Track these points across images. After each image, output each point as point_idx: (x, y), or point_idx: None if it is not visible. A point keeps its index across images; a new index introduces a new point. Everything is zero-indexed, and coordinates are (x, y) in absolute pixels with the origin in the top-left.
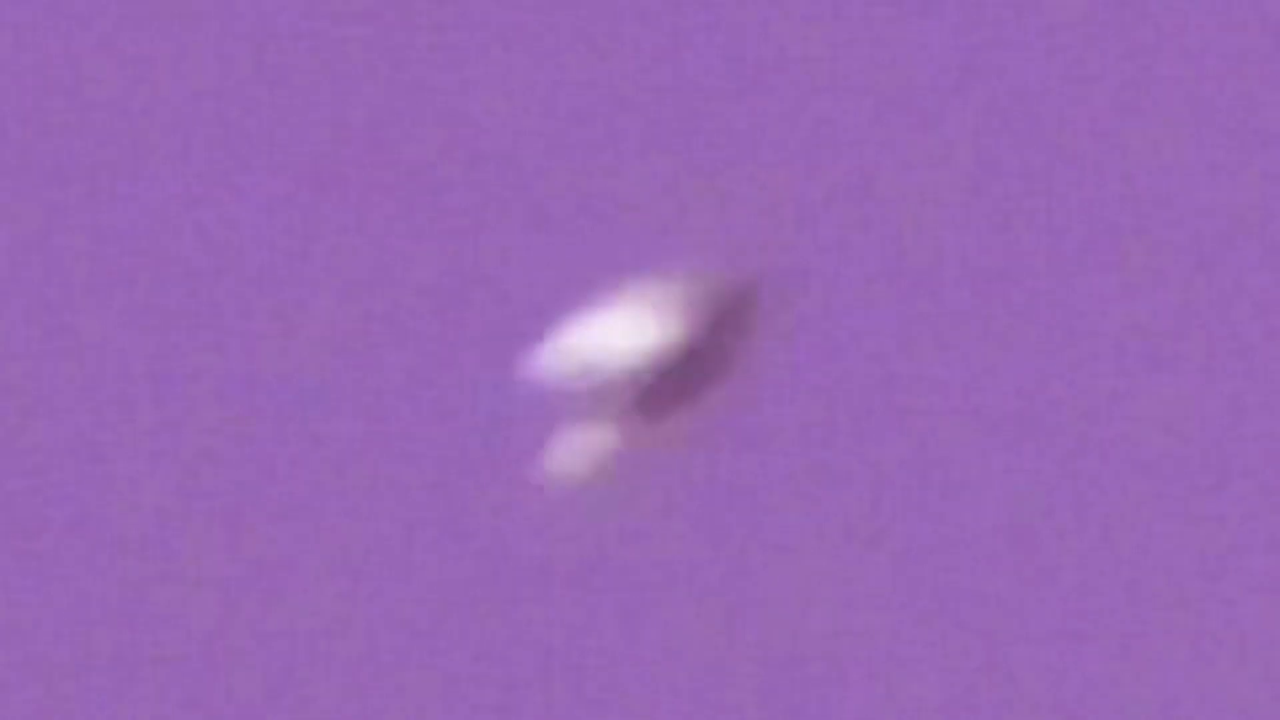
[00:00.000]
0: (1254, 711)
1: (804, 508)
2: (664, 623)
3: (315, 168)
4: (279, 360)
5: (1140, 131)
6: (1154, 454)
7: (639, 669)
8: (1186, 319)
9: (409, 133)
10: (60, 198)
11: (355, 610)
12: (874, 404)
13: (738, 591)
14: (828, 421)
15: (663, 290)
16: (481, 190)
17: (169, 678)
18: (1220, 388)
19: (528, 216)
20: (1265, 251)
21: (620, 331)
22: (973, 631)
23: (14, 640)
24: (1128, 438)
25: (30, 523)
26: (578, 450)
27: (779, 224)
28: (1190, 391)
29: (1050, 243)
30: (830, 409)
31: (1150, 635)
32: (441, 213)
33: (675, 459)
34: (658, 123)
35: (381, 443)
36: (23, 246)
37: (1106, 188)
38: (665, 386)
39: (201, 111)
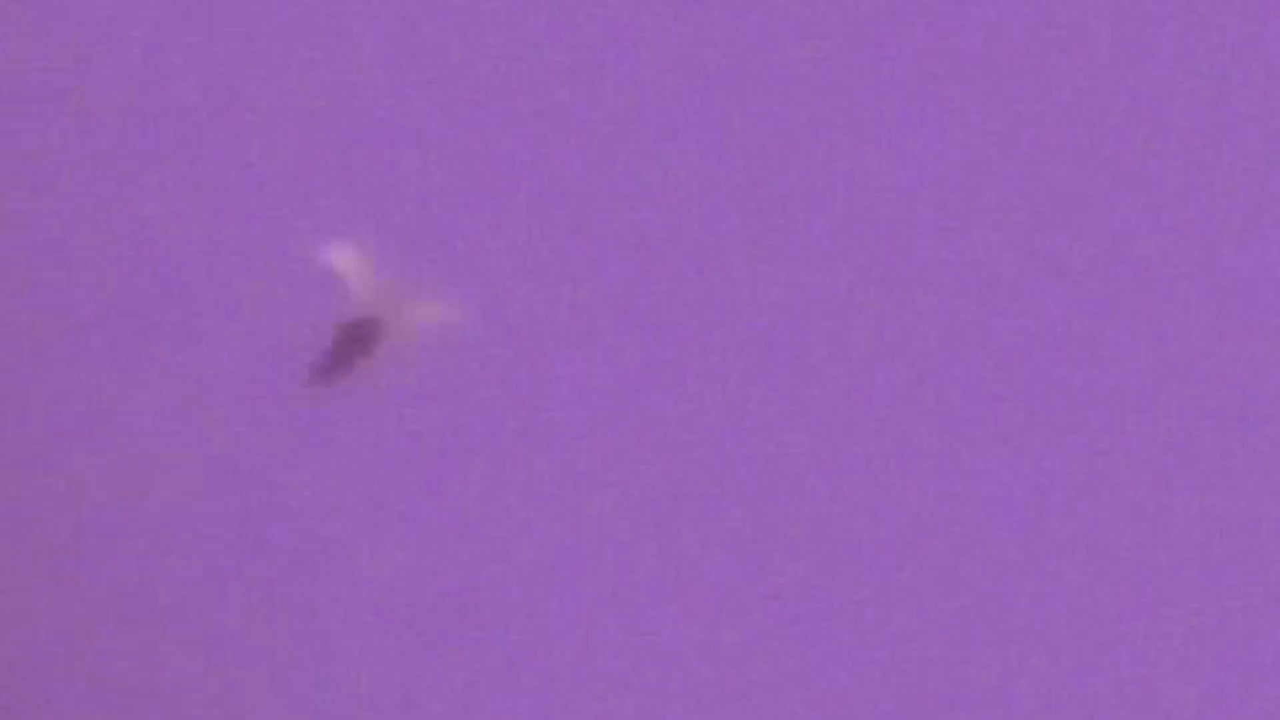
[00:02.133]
0: (1254, 712)
1: (795, 503)
2: (663, 621)
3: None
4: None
5: (1140, 130)
6: (1154, 454)
7: (639, 668)
8: (1187, 318)
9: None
10: (58, 196)
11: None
12: (869, 402)
13: (737, 590)
14: (818, 420)
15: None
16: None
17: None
18: (1220, 387)
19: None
20: (1265, 251)
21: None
22: (973, 631)
23: (14, 639)
24: (1128, 437)
25: (29, 522)
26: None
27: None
28: (1190, 391)
29: (1049, 242)
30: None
31: (1150, 635)
32: None
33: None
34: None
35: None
36: (22, 245)
37: (1106, 187)
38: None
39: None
